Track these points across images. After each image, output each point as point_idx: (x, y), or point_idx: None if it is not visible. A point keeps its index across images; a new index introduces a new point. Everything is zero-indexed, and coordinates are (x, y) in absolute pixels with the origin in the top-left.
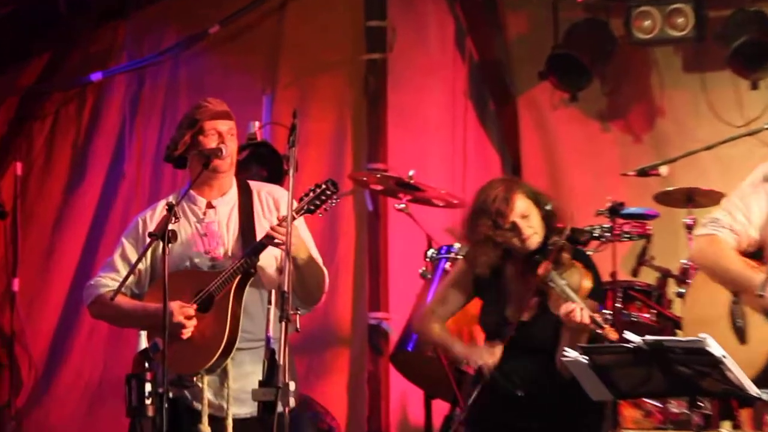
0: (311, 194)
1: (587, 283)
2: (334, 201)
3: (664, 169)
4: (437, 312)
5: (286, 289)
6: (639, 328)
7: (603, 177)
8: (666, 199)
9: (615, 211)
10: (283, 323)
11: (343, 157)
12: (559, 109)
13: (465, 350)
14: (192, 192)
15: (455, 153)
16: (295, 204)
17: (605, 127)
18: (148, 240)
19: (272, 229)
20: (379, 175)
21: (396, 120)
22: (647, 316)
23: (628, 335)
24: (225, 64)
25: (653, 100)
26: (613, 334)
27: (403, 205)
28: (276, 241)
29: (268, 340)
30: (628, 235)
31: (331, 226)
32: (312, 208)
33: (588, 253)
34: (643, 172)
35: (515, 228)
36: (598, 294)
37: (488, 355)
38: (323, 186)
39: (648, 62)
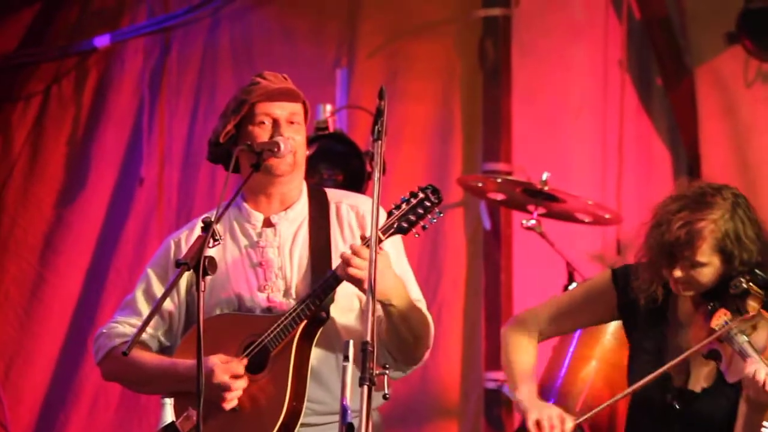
0: (404, 206)
1: None
2: (435, 216)
3: None
4: (537, 319)
5: (369, 338)
6: None
7: None
8: None
9: None
10: (366, 387)
11: (450, 154)
12: (755, 86)
13: (525, 397)
14: (244, 204)
15: (607, 148)
16: (383, 219)
17: None
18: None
19: (347, 255)
20: (500, 180)
21: (524, 102)
22: None
23: None
24: (284, 26)
25: None
26: None
27: (533, 222)
28: (352, 274)
29: (344, 411)
30: None
31: (432, 252)
32: (405, 225)
33: None
34: None
35: (670, 271)
36: None
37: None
38: (420, 195)
39: None
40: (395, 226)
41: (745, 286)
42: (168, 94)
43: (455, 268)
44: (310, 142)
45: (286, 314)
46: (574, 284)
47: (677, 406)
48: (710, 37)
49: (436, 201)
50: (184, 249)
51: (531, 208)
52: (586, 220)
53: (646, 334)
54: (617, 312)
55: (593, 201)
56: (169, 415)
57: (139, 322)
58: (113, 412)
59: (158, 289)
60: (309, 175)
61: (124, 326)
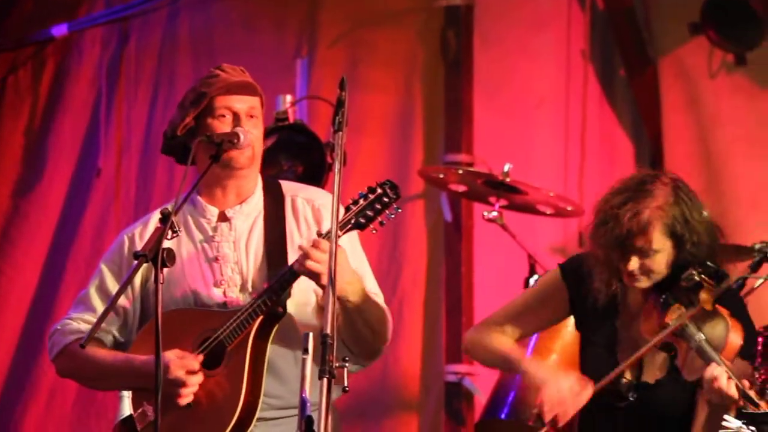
0: (361, 202)
1: (736, 339)
2: (393, 212)
3: None
4: (497, 324)
5: (329, 331)
6: None
7: None
8: None
9: None
10: (325, 380)
11: (411, 145)
12: (718, 77)
13: (538, 371)
14: (198, 198)
15: (569, 140)
16: (340, 215)
17: None
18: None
19: (303, 249)
20: (461, 171)
21: (486, 93)
22: None
23: None
24: (244, 15)
25: None
26: None
27: (495, 214)
28: (311, 267)
29: (303, 404)
30: None
31: (392, 244)
32: (362, 221)
33: (760, 280)
34: None
35: (625, 264)
36: (750, 353)
37: (564, 404)
38: (378, 190)
39: None
40: (352, 221)
41: (697, 278)
42: (126, 84)
43: (416, 260)
44: (269, 132)
45: (243, 309)
46: (535, 276)
47: (631, 399)
48: (674, 28)
49: (394, 197)
50: (139, 244)
51: (492, 199)
52: (548, 212)
53: (596, 327)
54: (569, 307)
55: (555, 193)
56: (127, 408)
57: (93, 319)
58: (70, 406)
59: (112, 285)
60: (269, 166)
61: (79, 323)
